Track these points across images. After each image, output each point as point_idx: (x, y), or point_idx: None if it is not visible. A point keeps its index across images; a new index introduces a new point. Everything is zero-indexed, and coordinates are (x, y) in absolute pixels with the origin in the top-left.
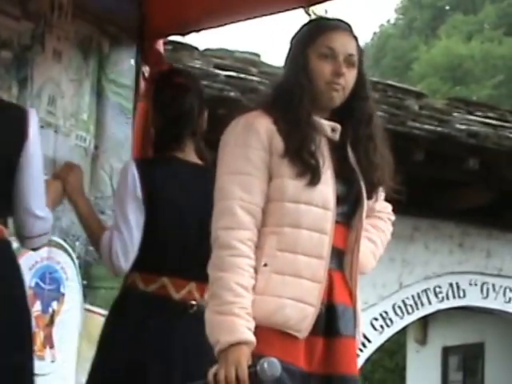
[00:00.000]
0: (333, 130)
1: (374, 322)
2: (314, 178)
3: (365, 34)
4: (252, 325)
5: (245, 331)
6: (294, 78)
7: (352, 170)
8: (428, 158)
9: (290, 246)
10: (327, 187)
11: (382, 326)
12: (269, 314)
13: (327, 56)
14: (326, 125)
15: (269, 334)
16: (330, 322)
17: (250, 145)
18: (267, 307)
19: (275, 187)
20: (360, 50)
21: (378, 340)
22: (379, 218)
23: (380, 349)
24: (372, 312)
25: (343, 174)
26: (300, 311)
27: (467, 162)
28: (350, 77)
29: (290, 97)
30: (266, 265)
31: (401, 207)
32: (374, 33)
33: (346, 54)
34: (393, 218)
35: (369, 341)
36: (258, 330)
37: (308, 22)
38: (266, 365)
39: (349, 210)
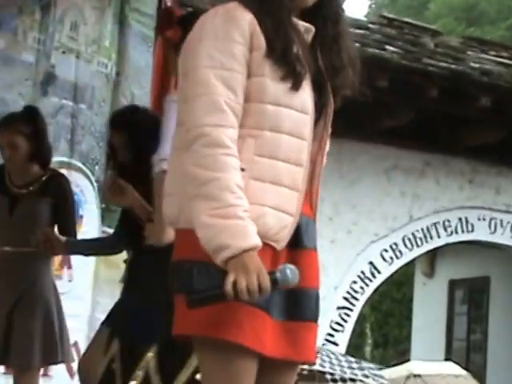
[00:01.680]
0: (305, 31)
1: (384, 254)
2: (296, 84)
3: None
4: (256, 229)
5: (255, 236)
6: None
7: (321, 76)
8: (441, 94)
9: (269, 152)
10: (305, 91)
11: (391, 258)
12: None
13: None
14: (301, 25)
15: None
16: (296, 234)
17: (232, 39)
18: (250, 215)
19: (255, 87)
20: None
21: (387, 271)
22: None
23: (388, 280)
24: (382, 244)
25: (313, 79)
26: (280, 220)
27: (480, 99)
28: None
29: None
30: (243, 170)
31: (413, 142)
32: None
33: None
34: None
35: (378, 271)
36: None
37: None
38: (288, 271)
39: (316, 118)
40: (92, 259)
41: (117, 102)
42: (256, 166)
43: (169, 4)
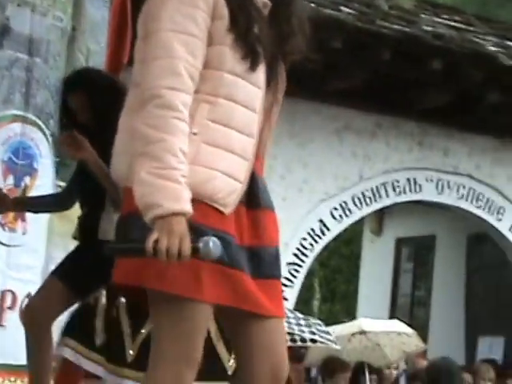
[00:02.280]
0: (263, 6)
1: (334, 212)
2: (254, 65)
3: None
4: (190, 196)
5: (188, 202)
6: None
7: (274, 49)
8: (394, 57)
9: (223, 119)
10: (260, 67)
11: (341, 216)
12: (198, 184)
13: None
14: (259, 1)
15: (202, 204)
16: (253, 194)
17: (196, 5)
18: (198, 177)
19: (215, 54)
20: None
21: (336, 229)
22: None
23: (338, 237)
24: (332, 202)
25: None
26: (228, 185)
27: (431, 62)
28: None
29: None
30: (195, 133)
31: (365, 104)
32: None
33: None
34: None
35: (328, 229)
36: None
37: None
38: (211, 243)
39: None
40: None
41: (72, 57)
42: (209, 131)
43: None
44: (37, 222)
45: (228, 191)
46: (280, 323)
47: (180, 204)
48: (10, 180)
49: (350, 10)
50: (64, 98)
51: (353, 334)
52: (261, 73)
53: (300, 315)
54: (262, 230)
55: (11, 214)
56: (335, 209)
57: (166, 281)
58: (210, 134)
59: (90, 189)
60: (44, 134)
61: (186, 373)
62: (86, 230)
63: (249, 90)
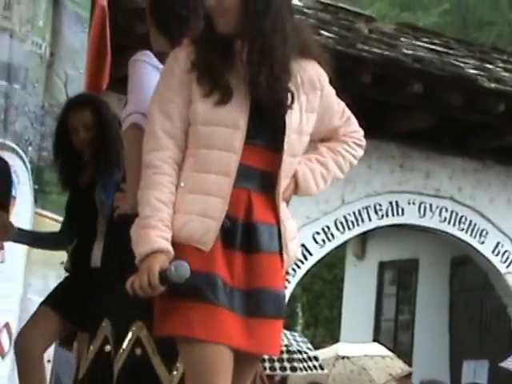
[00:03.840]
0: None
1: (316, 236)
2: (222, 97)
3: None
4: (168, 234)
5: (157, 240)
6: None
7: (262, 90)
8: (374, 80)
9: (203, 167)
10: (238, 106)
11: (323, 240)
12: (178, 230)
13: None
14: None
15: (186, 248)
16: (250, 239)
17: (172, 74)
18: (177, 223)
19: (192, 112)
20: None
21: (318, 253)
22: (342, 142)
23: (320, 262)
24: (314, 226)
25: (253, 96)
26: (203, 225)
27: (411, 86)
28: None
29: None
30: (183, 185)
31: None
32: None
33: None
34: (362, 142)
35: (310, 254)
36: (176, 247)
37: None
38: (173, 268)
39: (274, 134)
40: None
41: (51, 83)
42: (192, 181)
43: None
44: (15, 250)
45: (203, 230)
46: (256, 361)
47: (148, 245)
48: None
49: (330, 34)
50: (63, 117)
51: (336, 359)
52: (239, 113)
53: (295, 333)
54: (259, 273)
55: None
56: (317, 233)
57: (167, 324)
58: (192, 183)
59: (82, 220)
60: (23, 161)
61: None
62: (79, 260)
63: (225, 133)
